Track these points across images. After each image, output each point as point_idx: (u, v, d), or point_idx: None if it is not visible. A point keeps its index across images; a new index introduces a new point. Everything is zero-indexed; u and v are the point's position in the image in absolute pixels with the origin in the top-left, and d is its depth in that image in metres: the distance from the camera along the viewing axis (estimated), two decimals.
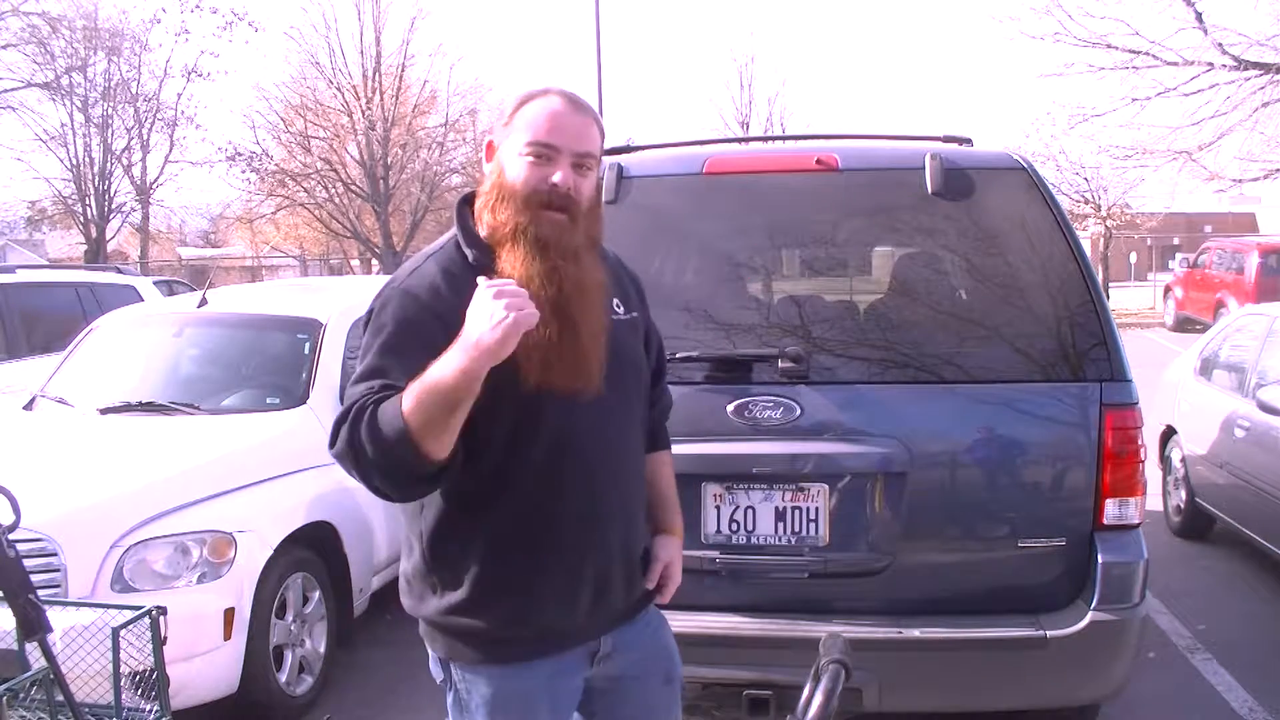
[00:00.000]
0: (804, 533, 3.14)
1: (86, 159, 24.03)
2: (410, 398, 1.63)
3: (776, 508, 3.16)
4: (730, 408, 3.13)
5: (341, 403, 1.76)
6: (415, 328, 1.78)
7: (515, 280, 1.70)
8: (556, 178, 1.82)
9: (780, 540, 3.15)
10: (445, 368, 1.62)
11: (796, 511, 3.15)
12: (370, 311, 1.86)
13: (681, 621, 3.06)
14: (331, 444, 1.74)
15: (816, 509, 3.14)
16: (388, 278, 1.98)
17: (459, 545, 1.88)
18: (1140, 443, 3.07)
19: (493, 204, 1.86)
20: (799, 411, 3.12)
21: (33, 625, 2.67)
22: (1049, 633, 2.95)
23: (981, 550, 3.19)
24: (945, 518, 3.16)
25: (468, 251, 1.88)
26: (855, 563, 3.13)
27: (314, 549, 4.35)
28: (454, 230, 1.94)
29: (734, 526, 3.17)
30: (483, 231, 1.89)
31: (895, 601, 3.10)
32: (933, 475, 3.12)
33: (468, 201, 1.97)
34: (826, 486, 3.14)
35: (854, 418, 3.13)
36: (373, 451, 1.66)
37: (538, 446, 1.83)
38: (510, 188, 1.83)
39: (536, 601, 1.89)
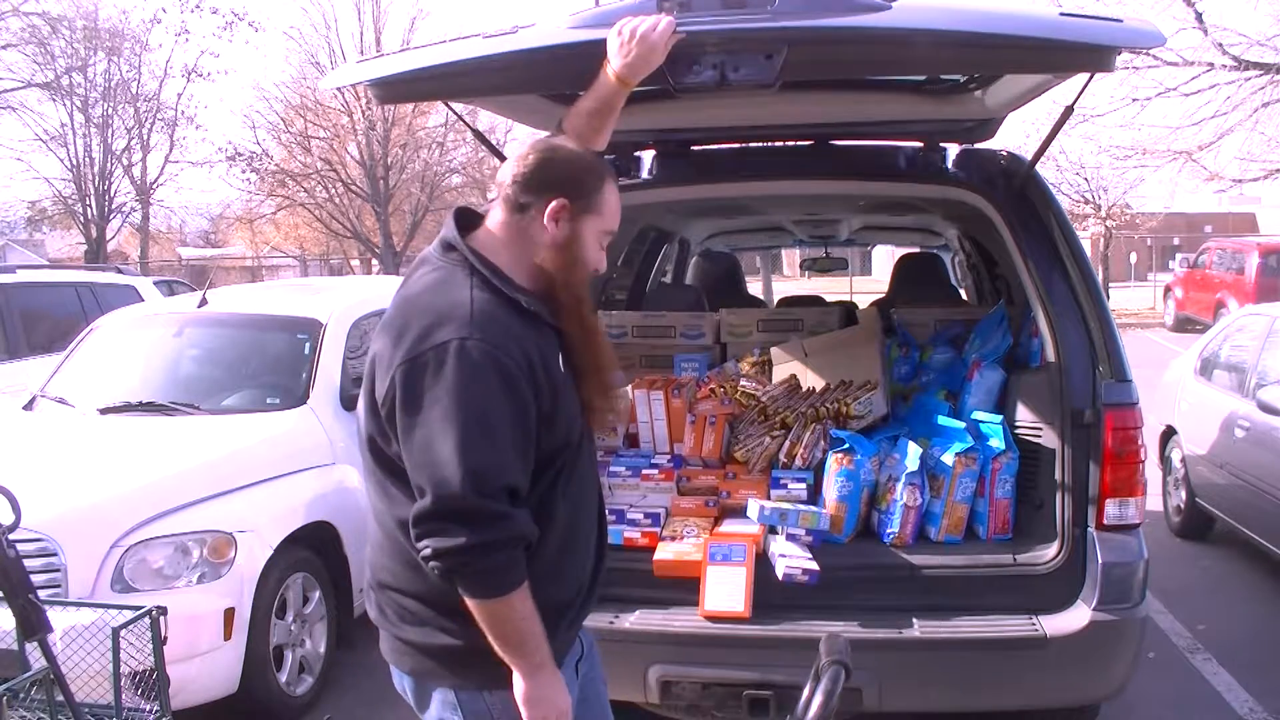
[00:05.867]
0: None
1: (86, 159, 23.97)
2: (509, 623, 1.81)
3: None
4: None
5: (463, 483, 1.72)
6: (526, 416, 1.81)
7: (588, 345, 1.95)
8: (601, 266, 2.00)
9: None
10: (526, 652, 1.82)
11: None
12: (454, 361, 1.76)
13: (681, 621, 3.08)
14: (443, 532, 1.74)
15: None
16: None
17: None
18: (1140, 443, 3.07)
19: (564, 272, 1.91)
20: None
21: (33, 625, 2.67)
22: (1049, 633, 2.96)
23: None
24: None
25: (517, 297, 1.88)
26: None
27: (314, 549, 4.35)
28: (468, 263, 1.90)
29: None
30: (520, 278, 1.91)
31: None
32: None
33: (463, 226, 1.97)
34: None
35: None
36: (487, 586, 1.78)
37: (570, 473, 1.95)
38: (586, 267, 1.95)
39: (571, 608, 1.98)
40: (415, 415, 1.77)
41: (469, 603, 1.79)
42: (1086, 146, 19.23)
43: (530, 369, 1.81)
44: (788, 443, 3.45)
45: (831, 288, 17.14)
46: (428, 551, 1.76)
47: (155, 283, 10.41)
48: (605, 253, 2.00)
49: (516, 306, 1.86)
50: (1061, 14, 2.38)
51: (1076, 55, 2.44)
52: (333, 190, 26.60)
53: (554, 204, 1.89)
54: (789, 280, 27.82)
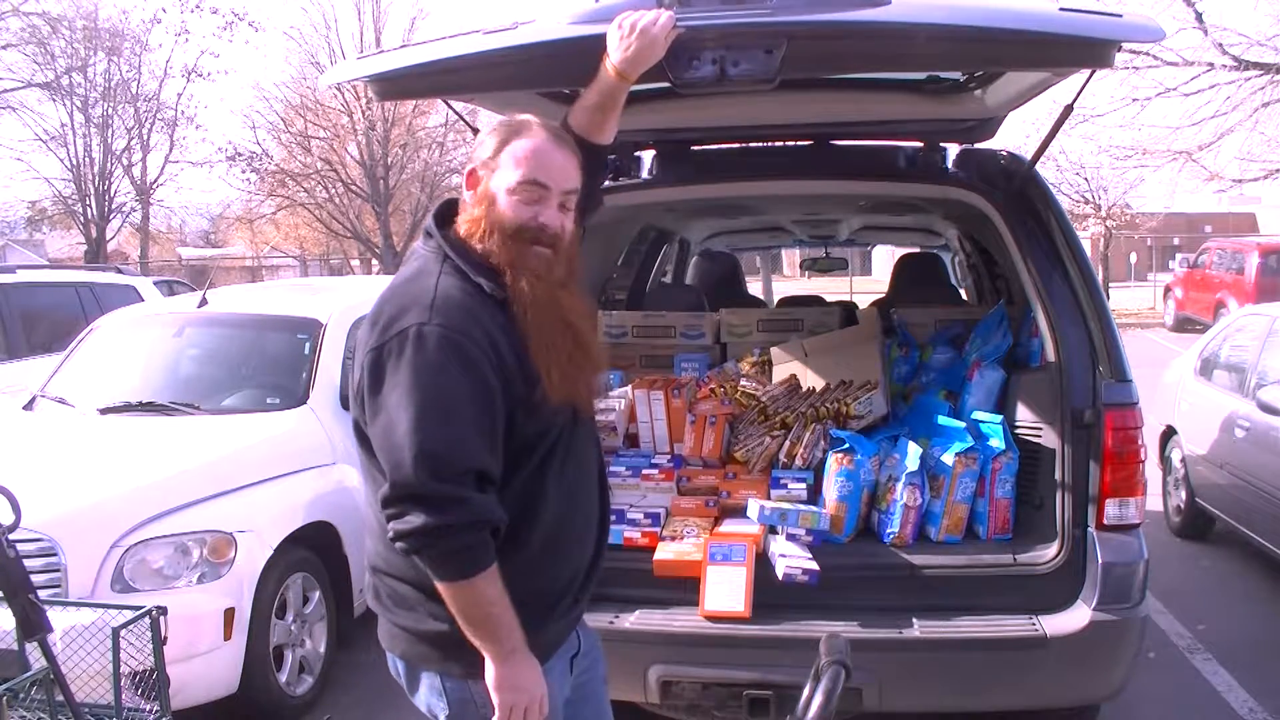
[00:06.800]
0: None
1: (86, 159, 23.97)
2: (480, 608, 1.81)
3: None
4: None
5: (421, 460, 1.74)
6: (489, 398, 1.81)
7: (530, 309, 1.84)
8: (545, 218, 1.90)
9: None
10: (496, 638, 1.82)
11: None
12: (412, 347, 1.79)
13: (681, 621, 3.08)
14: (401, 515, 1.76)
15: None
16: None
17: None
18: (1140, 443, 3.07)
19: (481, 235, 1.90)
20: None
21: (33, 625, 2.67)
22: (1049, 633, 2.95)
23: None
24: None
25: (481, 282, 1.88)
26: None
27: (314, 549, 4.35)
28: (442, 250, 1.92)
29: None
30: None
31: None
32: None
33: (441, 222, 1.99)
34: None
35: None
36: (449, 569, 1.79)
37: (561, 461, 1.93)
38: (499, 222, 1.89)
39: (562, 600, 1.98)
40: (377, 400, 1.81)
41: (437, 585, 1.81)
42: (1086, 146, 19.23)
43: (496, 352, 1.82)
44: (788, 443, 3.45)
45: (831, 288, 17.14)
46: (391, 534, 1.79)
47: (155, 283, 10.41)
48: (551, 205, 1.91)
49: (481, 290, 1.87)
50: (1061, 9, 2.38)
51: (1076, 50, 2.44)
52: (333, 190, 26.59)
53: (466, 174, 1.96)
54: (789, 280, 27.81)
